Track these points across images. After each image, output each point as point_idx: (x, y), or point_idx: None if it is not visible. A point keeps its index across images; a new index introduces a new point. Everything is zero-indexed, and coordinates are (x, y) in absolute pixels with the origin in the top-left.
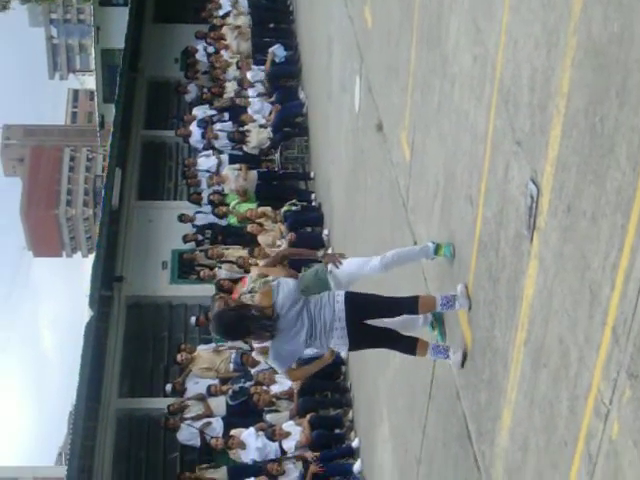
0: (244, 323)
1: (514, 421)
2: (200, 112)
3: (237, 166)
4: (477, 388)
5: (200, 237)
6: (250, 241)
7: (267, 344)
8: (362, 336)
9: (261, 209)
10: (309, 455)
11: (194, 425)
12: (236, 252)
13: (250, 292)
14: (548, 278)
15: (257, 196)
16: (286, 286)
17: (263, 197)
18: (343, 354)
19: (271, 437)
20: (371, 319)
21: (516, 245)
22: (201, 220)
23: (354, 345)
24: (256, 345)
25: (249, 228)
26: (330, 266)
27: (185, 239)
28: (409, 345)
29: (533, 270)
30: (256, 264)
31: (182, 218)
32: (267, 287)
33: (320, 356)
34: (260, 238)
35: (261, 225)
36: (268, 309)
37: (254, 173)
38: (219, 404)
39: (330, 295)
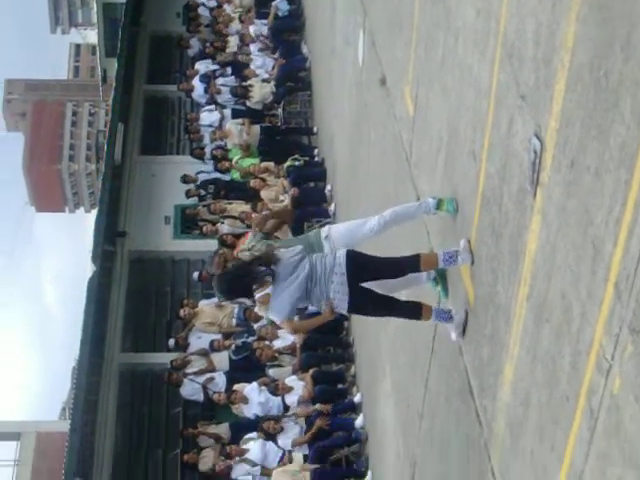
0: (243, 282)
1: (516, 376)
2: (202, 66)
3: (240, 121)
4: (479, 343)
5: (203, 192)
6: (253, 196)
7: (268, 290)
8: (363, 298)
9: (264, 164)
10: (321, 408)
11: (197, 380)
12: (239, 207)
13: (249, 250)
14: (551, 233)
15: (260, 151)
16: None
17: (266, 152)
18: (344, 311)
19: (274, 392)
20: (373, 279)
21: (519, 200)
22: (203, 179)
23: (354, 305)
24: (257, 296)
25: (252, 183)
26: (327, 229)
27: (188, 194)
28: (413, 310)
29: (536, 225)
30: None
31: (185, 179)
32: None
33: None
34: (263, 193)
35: (264, 180)
36: (269, 255)
37: (257, 128)
38: (222, 359)
39: (331, 251)
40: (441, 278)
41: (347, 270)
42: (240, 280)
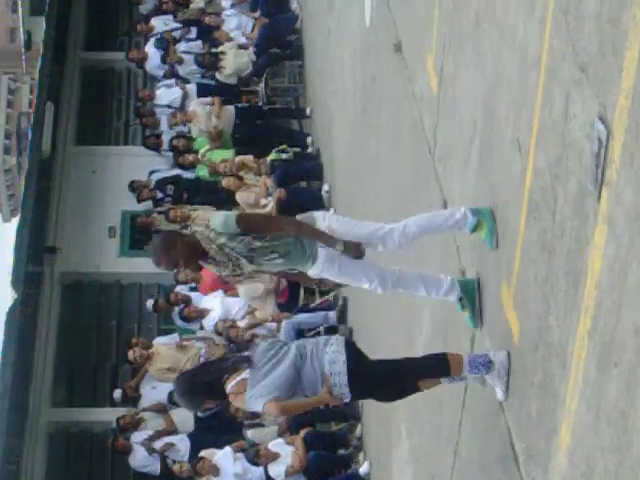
0: (209, 377)
1: (575, 438)
2: (160, 23)
3: (208, 100)
4: (526, 395)
5: (159, 194)
6: (226, 200)
7: (243, 376)
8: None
9: (239, 158)
10: None
11: (151, 446)
12: (207, 214)
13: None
14: (621, 248)
15: (235, 140)
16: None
17: (243, 142)
18: (345, 393)
19: (254, 460)
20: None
21: (578, 204)
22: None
23: (357, 391)
24: (230, 385)
25: (224, 183)
26: (322, 215)
27: (139, 198)
28: (437, 366)
29: (600, 237)
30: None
31: (133, 185)
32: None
33: None
34: (239, 196)
35: (240, 178)
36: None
37: (231, 109)
38: (185, 417)
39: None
40: (469, 298)
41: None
42: (205, 372)
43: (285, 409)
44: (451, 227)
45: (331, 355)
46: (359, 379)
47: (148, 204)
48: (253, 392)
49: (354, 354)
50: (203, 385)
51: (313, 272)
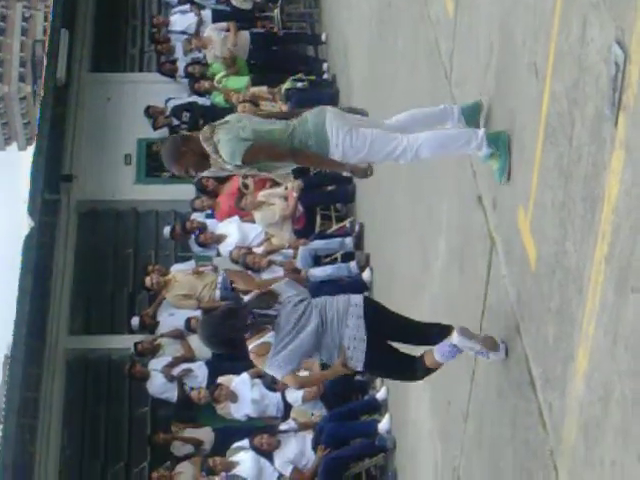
0: (234, 328)
1: (592, 363)
2: None
3: (224, 25)
4: (543, 320)
5: (175, 121)
6: None
7: (266, 338)
8: (382, 357)
9: (253, 90)
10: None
11: (170, 373)
12: None
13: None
14: (637, 173)
15: (250, 67)
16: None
17: (258, 68)
18: (359, 366)
19: (271, 386)
20: (393, 338)
21: (595, 129)
22: (175, 105)
23: (371, 362)
24: (252, 346)
25: (240, 109)
26: (331, 111)
27: (155, 125)
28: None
29: (618, 162)
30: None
31: (149, 112)
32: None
33: None
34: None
35: (256, 104)
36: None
37: (246, 35)
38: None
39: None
40: (501, 147)
41: (365, 316)
42: (231, 327)
43: (302, 383)
44: (465, 152)
45: (352, 330)
46: (376, 359)
47: (164, 131)
48: (274, 360)
49: (373, 332)
50: (226, 338)
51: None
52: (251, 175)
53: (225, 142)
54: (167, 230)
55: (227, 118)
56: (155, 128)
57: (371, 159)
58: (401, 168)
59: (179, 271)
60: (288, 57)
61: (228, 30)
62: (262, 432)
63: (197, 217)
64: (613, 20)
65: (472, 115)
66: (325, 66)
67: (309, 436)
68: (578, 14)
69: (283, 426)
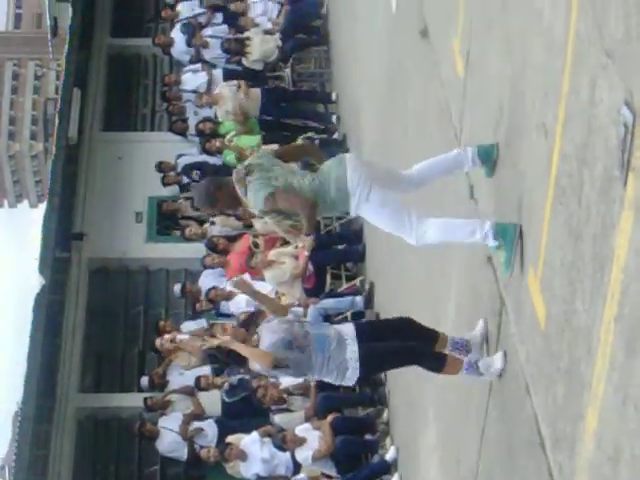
0: None
1: (602, 423)
2: (186, 9)
3: (235, 82)
4: (552, 379)
5: (185, 179)
6: None
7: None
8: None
9: (264, 148)
10: None
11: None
12: None
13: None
14: None
15: (261, 125)
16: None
17: (269, 126)
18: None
19: (280, 445)
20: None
21: (605, 190)
22: (186, 163)
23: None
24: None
25: None
26: (352, 158)
27: (165, 181)
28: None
29: (627, 223)
30: None
31: (161, 167)
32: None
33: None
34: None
35: None
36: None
37: (257, 92)
38: (212, 401)
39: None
40: (506, 237)
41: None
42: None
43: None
44: (471, 241)
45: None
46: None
47: (174, 189)
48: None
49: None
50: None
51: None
52: (262, 234)
53: (253, 186)
54: (178, 288)
55: (259, 160)
56: (165, 184)
57: (378, 225)
58: None
59: (189, 329)
60: (298, 113)
61: (239, 87)
62: None
63: (207, 275)
64: (622, 82)
65: (488, 157)
66: (334, 118)
67: None
68: (587, 75)
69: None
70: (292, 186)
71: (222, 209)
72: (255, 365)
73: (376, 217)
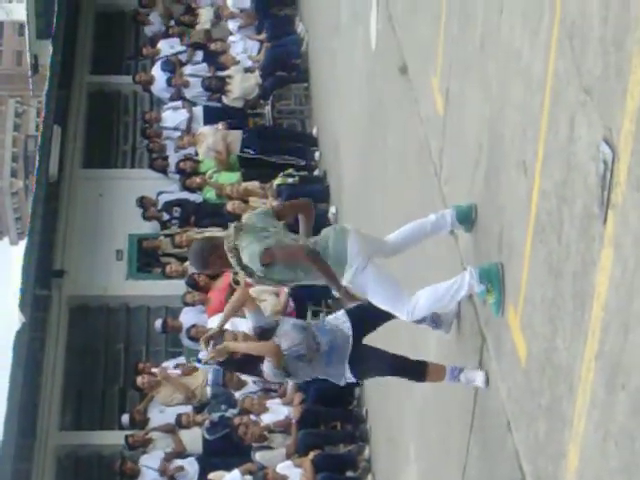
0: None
1: (583, 460)
2: (166, 46)
3: (215, 127)
4: (534, 417)
5: (166, 216)
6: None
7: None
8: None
9: (245, 185)
10: None
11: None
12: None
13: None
14: (627, 271)
15: (241, 162)
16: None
17: (249, 163)
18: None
19: None
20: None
21: (584, 227)
22: (166, 200)
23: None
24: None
25: (229, 207)
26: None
27: (145, 215)
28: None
29: (607, 260)
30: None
31: (142, 203)
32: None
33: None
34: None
35: (245, 202)
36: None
37: (237, 133)
38: (193, 438)
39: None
40: (494, 283)
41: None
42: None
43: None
44: (461, 298)
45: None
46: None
47: (155, 226)
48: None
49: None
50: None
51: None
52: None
53: (246, 248)
54: (159, 323)
55: (249, 220)
56: (145, 218)
57: (370, 298)
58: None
59: (170, 369)
60: (278, 150)
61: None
62: None
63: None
64: (601, 119)
65: (466, 218)
66: (317, 155)
67: None
68: (566, 113)
69: None
70: (284, 242)
71: (217, 271)
72: (266, 368)
73: (370, 289)
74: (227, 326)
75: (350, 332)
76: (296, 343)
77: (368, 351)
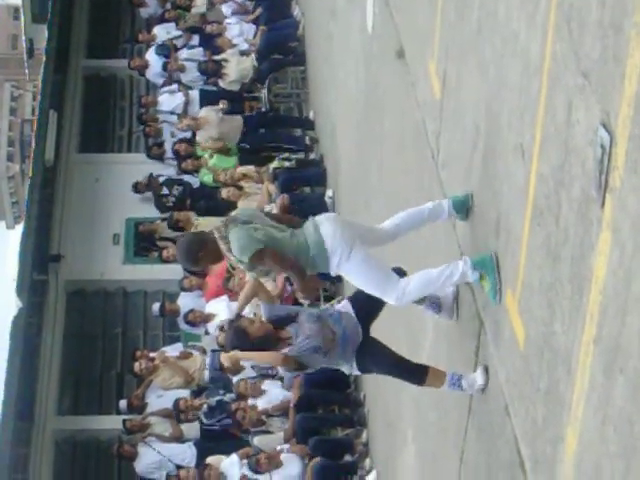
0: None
1: (581, 444)
2: (162, 31)
3: (218, 107)
4: (532, 401)
5: (165, 190)
6: (227, 209)
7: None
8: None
9: (241, 170)
10: None
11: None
12: (210, 224)
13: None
14: (625, 255)
15: (238, 147)
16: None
17: (245, 149)
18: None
19: (255, 468)
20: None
21: (582, 211)
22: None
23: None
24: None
25: (224, 194)
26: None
27: (136, 188)
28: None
29: (605, 244)
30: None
31: (137, 188)
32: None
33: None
34: (241, 206)
35: (240, 188)
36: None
37: (239, 119)
38: (191, 424)
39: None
40: (489, 270)
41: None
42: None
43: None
44: (453, 284)
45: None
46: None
47: (152, 211)
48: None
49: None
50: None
51: (332, 268)
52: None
53: (236, 239)
54: (156, 307)
55: (237, 214)
56: (136, 191)
57: (358, 285)
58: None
59: (169, 353)
60: (275, 138)
61: (222, 108)
62: None
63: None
64: (598, 103)
65: (463, 207)
66: (307, 139)
67: None
68: (564, 96)
69: None
70: (274, 236)
71: (206, 266)
72: (281, 371)
73: (357, 276)
74: (225, 311)
75: (357, 321)
76: (311, 334)
77: (376, 346)
